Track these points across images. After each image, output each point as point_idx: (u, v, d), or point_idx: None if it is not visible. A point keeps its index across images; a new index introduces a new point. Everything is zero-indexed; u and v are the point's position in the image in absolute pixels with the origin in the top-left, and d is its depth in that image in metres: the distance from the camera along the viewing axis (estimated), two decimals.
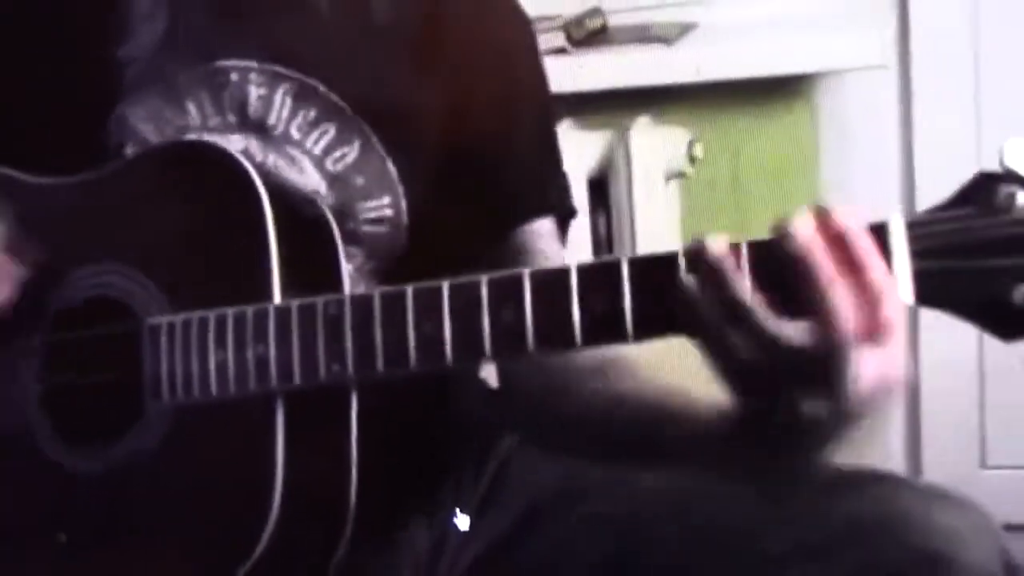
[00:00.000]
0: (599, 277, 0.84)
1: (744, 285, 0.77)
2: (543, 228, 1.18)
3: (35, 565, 1.05)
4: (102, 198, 1.10)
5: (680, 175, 1.95)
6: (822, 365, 0.76)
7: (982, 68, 2.01)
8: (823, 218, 0.76)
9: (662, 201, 1.92)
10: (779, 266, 0.76)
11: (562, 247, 1.21)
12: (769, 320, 0.77)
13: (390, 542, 1.16)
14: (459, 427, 1.21)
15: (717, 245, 0.78)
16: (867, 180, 2.05)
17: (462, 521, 1.19)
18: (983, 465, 2.09)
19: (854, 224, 0.76)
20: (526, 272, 0.88)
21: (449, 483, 1.21)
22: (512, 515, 1.16)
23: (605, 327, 0.84)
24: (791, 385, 0.79)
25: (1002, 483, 2.03)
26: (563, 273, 0.85)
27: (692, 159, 1.93)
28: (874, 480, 1.00)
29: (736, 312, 0.78)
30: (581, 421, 1.11)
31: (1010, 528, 1.00)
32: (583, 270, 0.84)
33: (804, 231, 0.75)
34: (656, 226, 1.89)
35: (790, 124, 2.02)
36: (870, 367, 0.76)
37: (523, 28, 1.25)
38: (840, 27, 1.99)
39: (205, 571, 0.98)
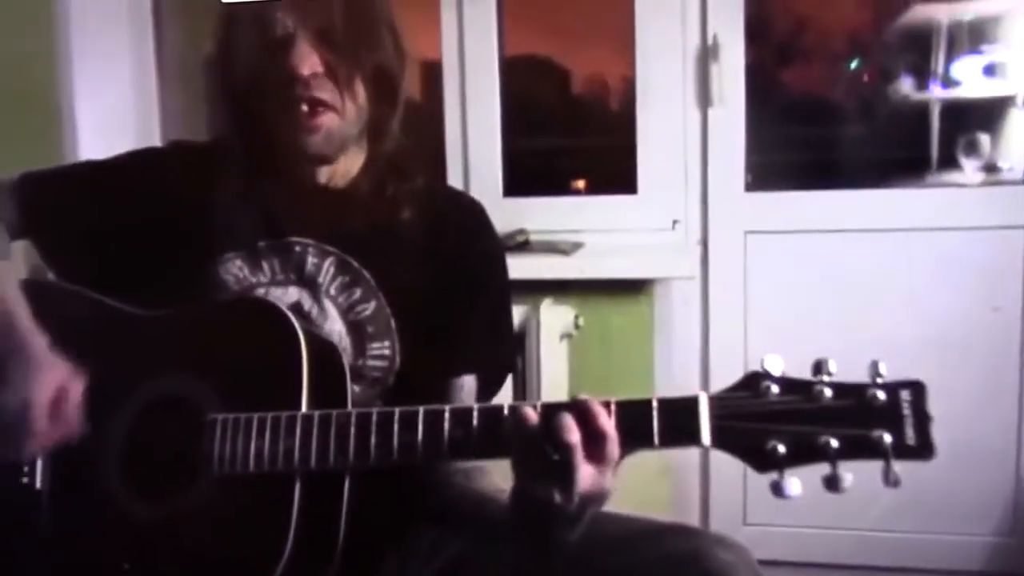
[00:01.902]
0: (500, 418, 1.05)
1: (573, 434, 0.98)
2: (467, 383, 1.33)
3: None
4: (188, 327, 1.24)
5: (569, 336, 2.34)
6: (564, 473, 0.98)
7: (749, 276, 2.47)
8: (585, 409, 0.99)
9: (556, 352, 2.29)
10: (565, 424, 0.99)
11: (479, 398, 1.34)
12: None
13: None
14: (417, 509, 1.33)
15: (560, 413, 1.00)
16: (680, 346, 2.49)
17: (419, 557, 1.31)
18: (745, 523, 2.48)
19: (600, 411, 0.99)
20: (475, 406, 1.06)
21: (410, 532, 1.33)
22: (453, 551, 1.31)
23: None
24: (546, 482, 1.00)
25: (758, 534, 2.40)
26: (498, 409, 1.05)
27: (577, 327, 2.35)
28: (679, 529, 1.20)
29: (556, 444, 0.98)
30: (460, 500, 1.28)
31: (762, 562, 1.16)
32: (511, 407, 1.05)
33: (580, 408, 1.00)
34: (553, 367, 2.25)
35: (637, 308, 2.46)
36: (588, 479, 0.99)
37: (495, 246, 1.43)
38: (668, 252, 2.44)
39: None
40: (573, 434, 0.97)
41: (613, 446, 0.99)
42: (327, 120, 1.26)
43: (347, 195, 1.34)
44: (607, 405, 1.00)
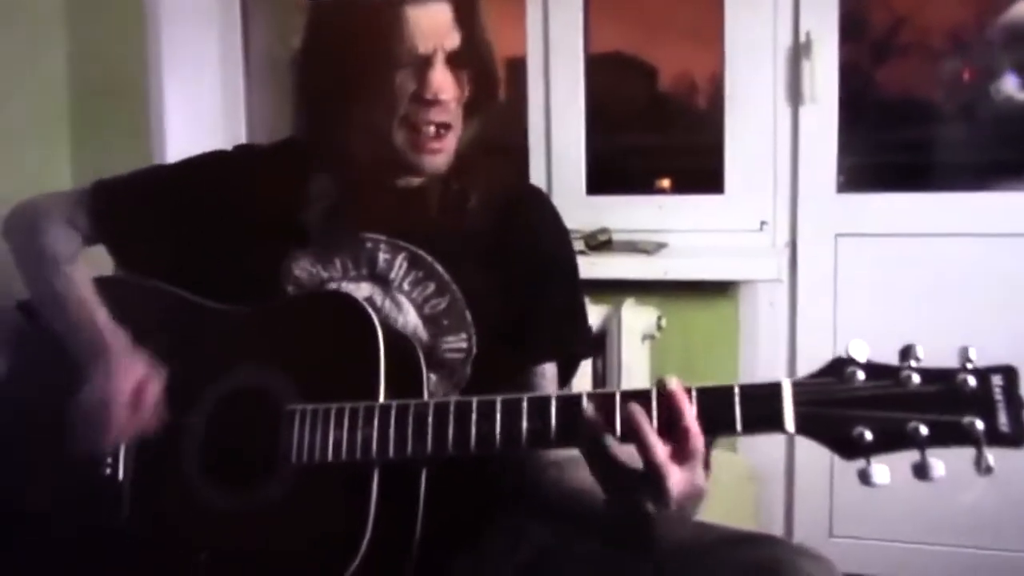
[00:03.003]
0: (601, 402, 1.03)
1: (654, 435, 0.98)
2: (548, 370, 1.35)
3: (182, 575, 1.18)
4: (265, 320, 1.27)
5: (651, 337, 2.32)
6: (656, 480, 0.97)
7: (839, 281, 2.43)
8: (668, 392, 0.99)
9: (638, 353, 2.28)
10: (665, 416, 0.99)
11: (557, 384, 1.36)
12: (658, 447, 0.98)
13: (443, 570, 1.27)
14: (494, 493, 1.33)
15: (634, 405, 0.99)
16: (766, 350, 2.45)
17: (496, 554, 1.31)
18: (831, 535, 2.46)
19: (683, 397, 0.98)
20: (553, 394, 1.06)
21: (487, 528, 1.33)
22: (532, 550, 1.30)
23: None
24: (640, 490, 0.99)
25: (844, 547, 2.41)
26: (577, 398, 1.04)
27: (659, 328, 2.33)
28: (762, 539, 1.19)
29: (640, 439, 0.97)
30: (552, 493, 1.27)
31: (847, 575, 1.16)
32: (590, 396, 1.04)
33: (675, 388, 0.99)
34: (633, 368, 2.25)
35: (721, 310, 2.45)
36: (679, 481, 0.97)
37: (562, 232, 1.44)
38: (755, 254, 2.41)
39: None
40: (657, 451, 0.97)
41: (697, 441, 0.98)
42: (449, 142, 1.29)
43: (420, 192, 1.35)
44: (688, 392, 0.99)
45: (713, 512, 1.21)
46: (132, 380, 1.21)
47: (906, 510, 2.32)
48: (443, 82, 1.25)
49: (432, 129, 1.27)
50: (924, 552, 2.41)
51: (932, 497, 2.19)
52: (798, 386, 0.98)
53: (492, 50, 1.32)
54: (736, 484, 2.26)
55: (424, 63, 1.25)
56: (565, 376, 1.39)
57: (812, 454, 2.15)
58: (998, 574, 2.37)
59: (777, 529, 2.48)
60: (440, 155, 1.29)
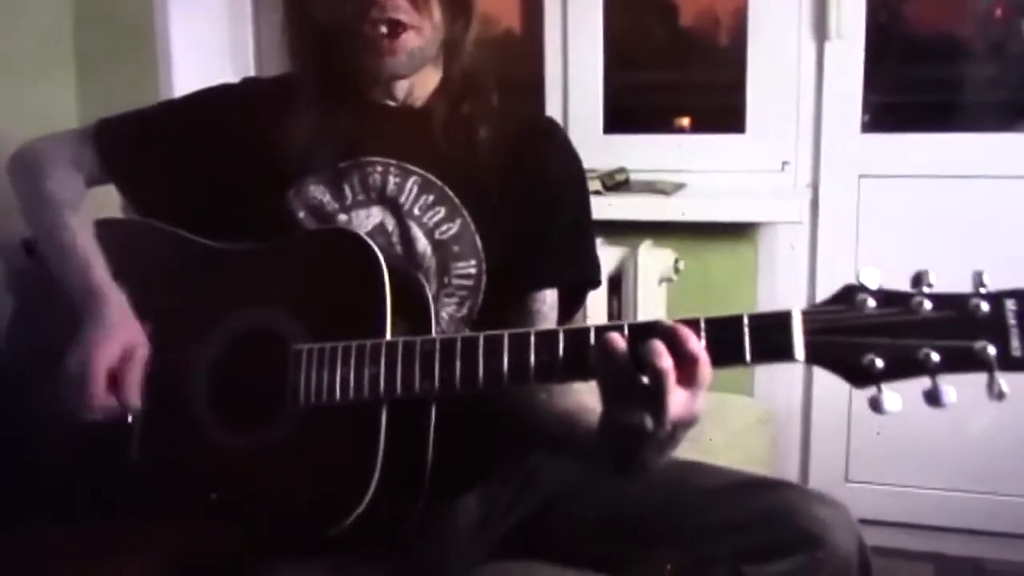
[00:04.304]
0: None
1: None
2: (547, 297, 1.36)
3: (192, 515, 1.18)
4: (269, 261, 1.26)
5: (668, 280, 2.34)
6: (655, 399, 0.96)
7: (861, 224, 2.41)
8: (674, 333, 0.97)
9: (655, 296, 2.29)
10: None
11: (566, 313, 1.38)
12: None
13: (452, 507, 1.31)
14: (503, 432, 1.33)
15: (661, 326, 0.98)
16: (785, 294, 2.43)
17: (506, 497, 1.34)
18: (846, 480, 2.48)
19: (689, 334, 0.96)
20: (561, 329, 1.05)
21: (497, 469, 1.35)
22: (540, 498, 1.34)
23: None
24: (636, 408, 0.98)
25: (859, 492, 2.42)
26: (584, 332, 1.03)
27: (676, 271, 2.34)
28: (776, 484, 1.22)
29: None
30: (546, 422, 1.27)
31: (862, 521, 1.16)
32: (598, 329, 1.02)
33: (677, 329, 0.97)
34: (650, 311, 2.25)
35: (740, 253, 2.45)
36: (680, 404, 0.97)
37: (574, 163, 1.42)
38: (776, 196, 2.41)
39: (322, 519, 1.11)
40: (664, 359, 0.95)
41: (705, 368, 0.96)
42: (407, 40, 1.26)
43: (424, 114, 1.35)
44: (696, 324, 0.98)
45: (728, 456, 1.25)
46: (115, 353, 1.19)
47: (922, 456, 2.33)
48: None
49: (384, 29, 1.25)
50: (940, 497, 2.42)
51: (948, 443, 2.33)
52: (808, 314, 0.96)
53: None
54: (752, 428, 2.25)
55: None
56: (569, 309, 1.40)
57: (829, 399, 2.29)
58: (1014, 519, 2.36)
59: (792, 474, 2.48)
60: (397, 55, 1.26)
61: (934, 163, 2.36)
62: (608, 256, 2.25)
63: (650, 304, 2.26)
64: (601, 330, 1.01)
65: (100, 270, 1.28)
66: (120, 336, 1.22)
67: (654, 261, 2.29)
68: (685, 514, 1.19)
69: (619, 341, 0.97)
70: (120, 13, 2.25)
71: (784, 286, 2.46)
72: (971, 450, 2.31)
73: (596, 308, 2.15)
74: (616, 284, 2.27)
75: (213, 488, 1.18)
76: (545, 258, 1.35)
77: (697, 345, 0.96)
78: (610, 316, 2.27)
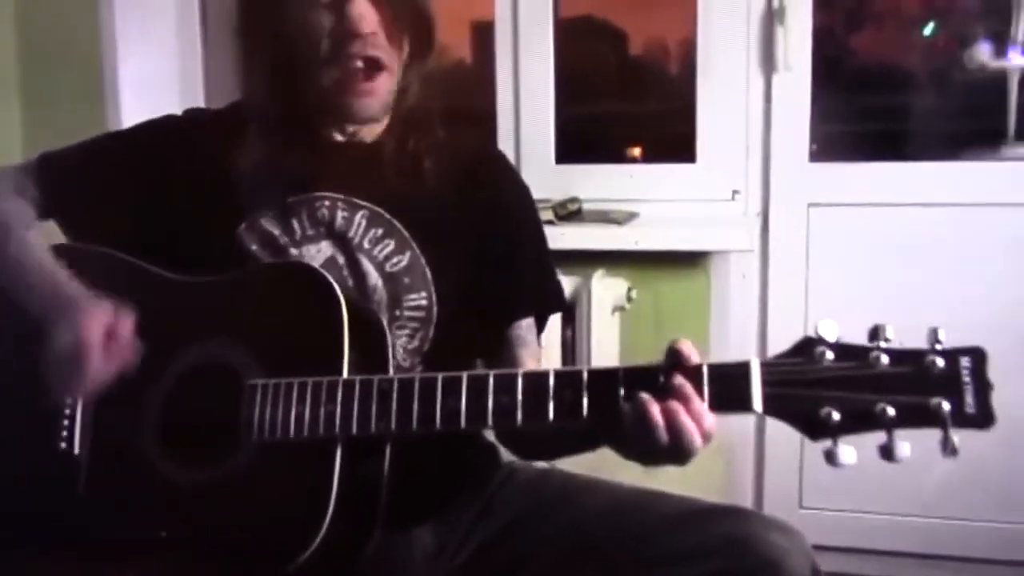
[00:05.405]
0: (567, 381, 1.04)
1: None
2: (527, 324, 1.38)
3: (139, 554, 1.16)
4: (224, 294, 1.25)
5: (621, 309, 2.33)
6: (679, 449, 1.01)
7: (811, 251, 2.42)
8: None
9: (608, 325, 2.27)
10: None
11: (536, 335, 1.39)
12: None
13: (407, 537, 1.30)
14: (461, 464, 1.35)
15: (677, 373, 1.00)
16: (737, 321, 2.45)
17: (462, 525, 1.33)
18: (800, 506, 2.48)
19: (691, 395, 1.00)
20: (520, 371, 1.06)
21: (453, 498, 1.35)
22: (499, 524, 1.33)
23: (570, 414, 1.03)
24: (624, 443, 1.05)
25: (813, 518, 2.43)
26: (543, 376, 1.04)
27: (630, 300, 2.33)
28: (733, 511, 1.21)
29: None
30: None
31: (816, 547, 1.16)
32: (558, 374, 1.04)
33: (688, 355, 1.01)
34: (603, 340, 2.25)
35: (692, 281, 2.45)
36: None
37: (525, 192, 1.44)
38: (727, 224, 2.39)
39: (274, 558, 1.09)
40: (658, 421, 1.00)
41: (710, 420, 1.01)
42: (382, 83, 1.26)
43: (374, 149, 1.34)
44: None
45: (683, 484, 1.22)
46: (103, 321, 1.16)
47: (875, 482, 2.34)
48: (364, 12, 1.23)
49: (358, 63, 1.24)
50: (893, 523, 2.43)
51: (901, 470, 2.22)
52: (767, 366, 0.98)
53: None
54: (706, 456, 2.14)
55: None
56: (538, 329, 1.41)
57: (782, 425, 2.19)
58: (965, 544, 2.38)
59: (747, 500, 2.49)
60: (372, 97, 1.27)
61: (881, 191, 2.39)
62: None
63: (603, 333, 2.26)
64: (560, 375, 1.02)
65: (62, 273, 1.25)
66: (102, 309, 1.17)
67: (607, 290, 2.28)
68: (643, 541, 1.18)
69: (656, 410, 1.00)
70: (67, 46, 2.23)
71: (736, 313, 2.48)
72: (924, 476, 2.32)
73: (550, 337, 2.14)
74: (570, 314, 2.26)
75: (163, 525, 1.16)
76: (520, 286, 1.37)
77: (698, 404, 1.00)
78: (563, 345, 2.26)
